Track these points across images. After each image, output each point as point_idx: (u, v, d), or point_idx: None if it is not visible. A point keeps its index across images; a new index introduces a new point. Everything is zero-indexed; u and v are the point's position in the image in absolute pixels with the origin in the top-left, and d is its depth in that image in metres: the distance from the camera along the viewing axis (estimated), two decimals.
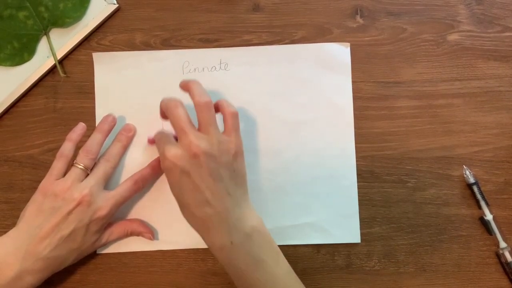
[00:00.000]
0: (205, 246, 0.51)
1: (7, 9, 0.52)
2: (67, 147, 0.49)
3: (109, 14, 0.54)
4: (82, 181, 0.47)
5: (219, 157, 0.44)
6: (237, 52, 0.54)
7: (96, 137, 0.50)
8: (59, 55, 0.53)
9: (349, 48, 0.54)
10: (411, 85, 0.54)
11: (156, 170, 0.51)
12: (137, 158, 0.52)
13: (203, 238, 0.45)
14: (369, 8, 0.55)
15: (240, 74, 0.54)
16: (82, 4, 0.54)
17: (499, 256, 0.51)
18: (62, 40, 0.53)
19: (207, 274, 0.52)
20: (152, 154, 0.52)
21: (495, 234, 0.51)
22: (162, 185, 0.52)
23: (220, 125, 0.46)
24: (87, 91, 0.53)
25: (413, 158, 0.53)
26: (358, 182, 0.52)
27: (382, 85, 0.54)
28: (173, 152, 0.43)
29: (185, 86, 0.47)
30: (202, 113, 0.45)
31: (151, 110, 0.51)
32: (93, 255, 0.51)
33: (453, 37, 0.54)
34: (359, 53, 0.54)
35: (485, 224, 0.52)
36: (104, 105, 0.53)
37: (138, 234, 0.51)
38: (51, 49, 0.53)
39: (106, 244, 0.50)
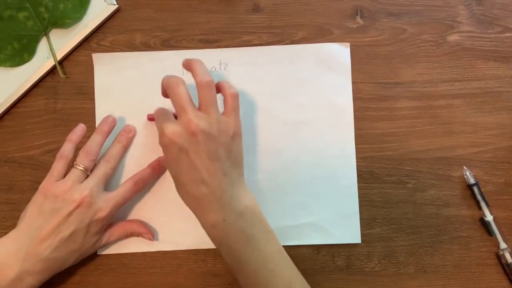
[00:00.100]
0: (205, 247, 0.51)
1: (7, 9, 0.52)
2: (67, 148, 0.49)
3: (109, 15, 0.54)
4: (82, 182, 0.47)
5: (218, 137, 0.44)
6: (237, 53, 0.54)
7: (96, 138, 0.50)
8: (59, 56, 0.53)
9: (349, 49, 0.54)
10: (411, 85, 0.54)
11: (156, 171, 0.51)
12: (137, 159, 0.52)
13: (197, 216, 0.45)
14: (369, 9, 0.55)
15: (240, 75, 0.54)
16: (82, 5, 0.54)
17: (499, 257, 0.51)
18: (62, 41, 0.53)
19: (207, 275, 0.52)
20: (153, 154, 0.52)
21: (495, 235, 0.51)
22: (163, 186, 0.52)
23: (221, 107, 0.46)
24: (87, 92, 0.53)
25: (413, 159, 0.53)
26: (358, 182, 0.52)
27: (382, 85, 0.54)
28: (172, 129, 0.43)
29: (188, 65, 0.47)
30: (203, 92, 0.45)
31: (151, 111, 0.51)
32: (93, 256, 0.51)
33: (453, 37, 0.54)
34: (359, 54, 0.54)
35: (485, 225, 0.52)
36: (104, 106, 0.53)
37: (138, 234, 0.51)
38: (51, 49, 0.53)
39: (106, 245, 0.51)
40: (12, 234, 0.46)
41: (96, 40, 0.54)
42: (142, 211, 0.52)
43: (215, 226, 0.44)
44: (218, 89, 0.47)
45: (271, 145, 0.53)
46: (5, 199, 0.52)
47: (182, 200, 0.45)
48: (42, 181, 0.48)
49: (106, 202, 0.47)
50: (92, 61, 0.54)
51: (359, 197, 0.52)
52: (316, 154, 0.53)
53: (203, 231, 0.45)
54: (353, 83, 0.54)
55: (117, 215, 0.50)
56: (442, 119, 0.53)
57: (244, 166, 0.47)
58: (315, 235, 0.52)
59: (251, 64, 0.54)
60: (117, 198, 0.48)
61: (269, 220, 0.46)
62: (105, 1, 0.54)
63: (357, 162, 0.53)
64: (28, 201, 0.48)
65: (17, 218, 0.48)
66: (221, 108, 0.46)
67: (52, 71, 0.54)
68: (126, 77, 0.53)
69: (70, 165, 0.48)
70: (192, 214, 0.45)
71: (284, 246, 0.46)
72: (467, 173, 0.52)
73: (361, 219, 0.52)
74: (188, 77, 0.47)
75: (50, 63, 0.53)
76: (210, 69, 0.54)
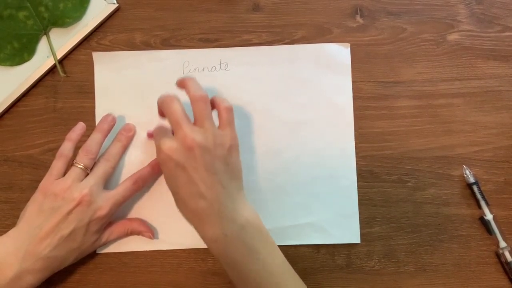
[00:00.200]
0: (205, 246, 0.51)
1: (7, 9, 0.52)
2: (66, 147, 0.49)
3: (109, 14, 0.54)
4: (82, 180, 0.47)
5: (214, 150, 0.44)
6: (237, 52, 0.54)
7: (95, 137, 0.50)
8: (59, 55, 0.53)
9: (349, 48, 0.54)
10: (411, 85, 0.54)
11: (156, 169, 0.51)
12: (137, 158, 0.52)
13: (197, 231, 0.45)
14: (369, 8, 0.55)
15: (240, 74, 0.54)
16: (82, 4, 0.54)
17: (499, 256, 0.51)
18: (62, 40, 0.53)
19: (207, 274, 0.52)
20: (152, 153, 0.52)
21: (495, 233, 0.51)
22: (162, 184, 0.52)
23: (216, 122, 0.46)
24: (87, 90, 0.53)
25: (413, 157, 0.53)
26: (358, 182, 0.52)
27: (382, 85, 0.54)
28: (168, 145, 0.43)
29: (181, 83, 0.47)
30: (197, 106, 0.45)
31: (151, 110, 0.51)
32: (93, 254, 0.51)
33: (453, 36, 0.54)
34: (359, 53, 0.54)
35: (485, 223, 0.52)
36: (104, 105, 0.53)
37: (138, 233, 0.51)
38: (51, 49, 0.53)
39: (106, 244, 0.51)
40: (12, 233, 0.46)
41: (96, 39, 0.54)
42: (142, 209, 0.52)
43: (216, 240, 0.43)
44: (212, 105, 0.47)
45: (271, 145, 0.53)
46: (5, 198, 0.52)
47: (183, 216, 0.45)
48: (42, 180, 0.48)
49: (105, 201, 0.47)
50: (92, 60, 0.54)
51: (359, 196, 0.52)
52: (316, 154, 0.53)
53: None
54: (353, 82, 0.54)
55: (117, 214, 0.50)
56: (442, 118, 0.53)
57: (244, 166, 0.47)
58: (315, 235, 0.52)
59: (251, 63, 0.54)
60: (116, 197, 0.48)
61: (269, 220, 0.46)
62: (105, 0, 0.54)
63: (357, 161, 0.53)
64: (27, 200, 0.48)
65: (17, 217, 0.48)
66: (216, 123, 0.46)
67: (52, 70, 0.54)
68: (126, 76, 0.53)
69: (70, 164, 0.48)
70: None
71: (284, 246, 0.46)
72: (467, 172, 0.52)
73: (361, 218, 0.52)
74: (184, 78, 0.47)
75: (50, 62, 0.53)
76: (210, 69, 0.54)
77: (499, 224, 0.51)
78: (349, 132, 0.53)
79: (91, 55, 0.54)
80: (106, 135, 0.51)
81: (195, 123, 0.45)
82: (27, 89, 0.53)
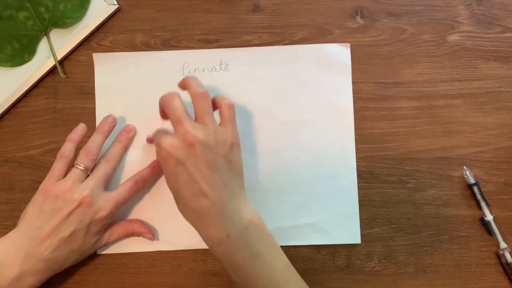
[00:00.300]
0: (205, 247, 0.51)
1: (7, 9, 0.52)
2: (67, 148, 0.49)
3: (109, 15, 0.54)
4: (82, 182, 0.47)
5: (215, 147, 0.43)
6: (238, 53, 0.54)
7: (96, 138, 0.50)
8: (59, 56, 0.53)
9: (349, 49, 0.54)
10: (411, 85, 0.54)
11: (156, 170, 0.51)
12: (137, 159, 0.52)
13: (199, 231, 0.44)
14: (369, 9, 0.55)
15: (240, 75, 0.54)
16: (82, 5, 0.54)
17: (499, 257, 0.51)
18: (62, 41, 0.53)
19: (207, 274, 0.52)
20: (153, 154, 0.52)
21: (495, 234, 0.51)
22: (162, 185, 0.52)
23: (217, 120, 0.46)
24: (87, 91, 0.53)
25: (413, 158, 0.53)
26: (358, 182, 0.52)
27: (382, 85, 0.54)
28: (169, 141, 0.43)
29: (183, 83, 0.47)
30: (198, 103, 0.45)
31: (151, 111, 0.51)
32: (93, 255, 0.51)
33: (453, 37, 0.54)
34: (359, 54, 0.54)
35: (485, 224, 0.52)
36: (104, 105, 0.53)
37: (138, 234, 0.51)
38: (51, 49, 0.53)
39: (106, 245, 0.51)
40: (12, 234, 0.46)
41: (96, 40, 0.54)
42: (142, 211, 0.52)
43: (219, 242, 0.43)
44: (214, 103, 0.47)
45: (271, 145, 0.53)
46: (5, 199, 0.52)
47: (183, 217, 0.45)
48: (42, 181, 0.48)
49: (106, 202, 0.47)
50: (92, 61, 0.54)
51: (359, 197, 0.52)
52: (316, 154, 0.53)
53: None
54: (353, 83, 0.54)
55: (117, 215, 0.50)
56: (442, 119, 0.53)
57: (244, 167, 0.47)
58: (315, 235, 0.52)
59: (252, 64, 0.54)
60: (117, 198, 0.48)
61: (269, 220, 0.46)
62: (105, 1, 0.54)
63: (357, 162, 0.53)
64: (28, 201, 0.48)
65: (17, 218, 0.48)
66: (217, 120, 0.46)
67: (52, 71, 0.54)
68: (127, 77, 0.53)
69: (71, 165, 0.48)
70: None
71: (284, 247, 0.46)
72: (467, 173, 0.52)
73: (361, 218, 0.52)
74: (185, 77, 0.47)
75: (50, 63, 0.53)
76: (210, 69, 0.54)
77: (499, 225, 0.52)
78: (349, 132, 0.53)
79: (92, 56, 0.54)
80: (106, 136, 0.51)
81: (196, 120, 0.45)
82: (27, 90, 0.53)
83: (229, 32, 0.54)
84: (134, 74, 0.53)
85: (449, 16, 0.55)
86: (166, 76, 0.53)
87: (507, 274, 0.51)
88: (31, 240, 0.45)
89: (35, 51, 0.53)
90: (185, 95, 0.46)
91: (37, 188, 0.48)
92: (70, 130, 0.50)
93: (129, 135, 0.52)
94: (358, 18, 0.55)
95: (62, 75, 0.53)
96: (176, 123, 0.44)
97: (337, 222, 0.52)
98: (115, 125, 0.52)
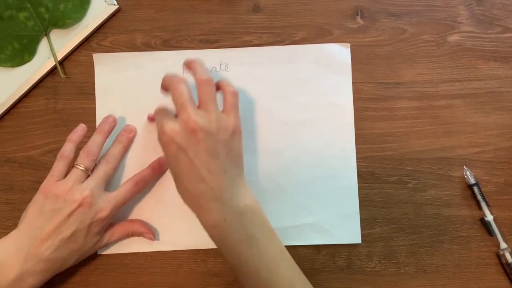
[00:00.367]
0: (205, 247, 0.51)
1: (7, 10, 0.52)
2: (67, 148, 0.49)
3: (109, 15, 0.54)
4: (83, 182, 0.47)
5: (217, 135, 0.44)
6: (238, 53, 0.54)
7: (96, 138, 0.50)
8: (60, 56, 0.53)
9: (349, 49, 0.54)
10: (411, 86, 0.54)
11: (157, 171, 0.51)
12: (138, 159, 0.52)
13: (197, 215, 0.45)
14: (369, 9, 0.55)
15: (240, 75, 0.54)
16: (82, 5, 0.54)
17: (499, 257, 0.51)
18: (63, 41, 0.53)
19: (207, 275, 0.52)
20: (153, 154, 0.52)
21: (495, 235, 0.51)
22: (163, 186, 0.52)
23: (220, 106, 0.46)
24: (87, 92, 0.53)
25: (414, 159, 0.53)
26: (358, 183, 0.52)
27: (382, 86, 0.54)
28: (171, 127, 0.43)
29: (188, 65, 0.48)
30: (202, 89, 0.45)
31: (151, 111, 0.51)
32: (94, 256, 0.51)
33: (453, 38, 0.54)
34: (359, 54, 0.54)
35: (485, 225, 0.52)
36: (105, 106, 0.53)
37: (139, 234, 0.51)
38: (52, 50, 0.53)
39: (107, 245, 0.51)
40: (13, 234, 0.46)
41: (96, 40, 0.54)
42: (142, 211, 0.52)
43: (215, 225, 0.43)
44: (218, 87, 0.47)
45: (271, 145, 0.53)
46: (6, 199, 0.52)
47: (182, 200, 0.45)
48: (42, 181, 0.48)
49: (106, 202, 0.47)
50: (92, 61, 0.54)
51: (359, 197, 0.52)
52: (316, 154, 0.53)
53: (204, 231, 0.45)
54: (353, 83, 0.54)
55: (118, 215, 0.50)
56: (443, 119, 0.53)
57: (244, 167, 0.47)
58: (315, 235, 0.52)
59: (252, 64, 0.54)
60: (117, 198, 0.48)
61: (269, 220, 0.46)
62: (105, 1, 0.54)
63: (357, 162, 0.53)
64: (28, 201, 0.48)
65: (18, 218, 0.48)
66: (220, 107, 0.46)
67: (52, 71, 0.54)
68: (127, 77, 0.53)
69: (71, 165, 0.48)
70: (193, 214, 0.45)
71: (284, 246, 0.46)
72: (468, 173, 0.52)
73: (361, 219, 0.52)
74: (188, 78, 0.47)
75: (50, 63, 0.53)
76: (210, 69, 0.54)
77: (499, 225, 0.52)
78: (349, 132, 0.53)
79: (92, 56, 0.54)
80: (107, 136, 0.51)
81: (199, 107, 0.45)
82: (27, 90, 0.53)
83: (229, 32, 0.54)
84: (134, 75, 0.54)
85: (449, 16, 0.55)
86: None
87: (507, 274, 0.51)
88: (31, 241, 0.45)
89: (35, 51, 0.53)
90: (189, 79, 0.46)
91: (37, 189, 0.48)
92: (70, 130, 0.50)
93: (129, 135, 0.52)
94: (358, 18, 0.55)
95: (62, 75, 0.53)
96: (180, 108, 0.44)
97: (337, 222, 0.52)
98: (115, 125, 0.52)
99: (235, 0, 0.55)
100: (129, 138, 0.52)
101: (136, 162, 0.52)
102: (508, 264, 0.51)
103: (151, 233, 0.50)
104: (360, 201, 0.52)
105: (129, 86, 0.53)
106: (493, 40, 0.54)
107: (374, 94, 0.54)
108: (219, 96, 0.47)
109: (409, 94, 0.54)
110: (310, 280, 0.46)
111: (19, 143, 0.53)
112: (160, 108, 0.47)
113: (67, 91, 0.53)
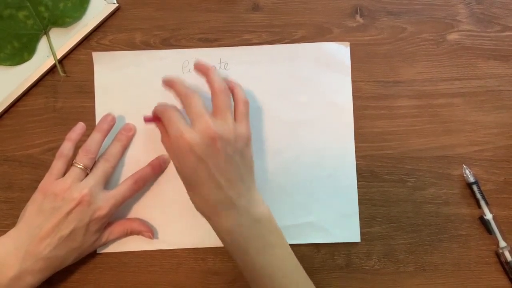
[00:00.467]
0: (205, 246, 0.51)
1: (7, 8, 0.52)
2: (66, 147, 0.48)
3: (109, 14, 0.54)
4: (81, 180, 0.47)
5: (234, 143, 0.44)
6: (237, 52, 0.54)
7: (95, 137, 0.50)
8: (59, 55, 0.53)
9: (348, 48, 0.54)
10: (411, 84, 0.54)
11: (156, 169, 0.51)
12: (137, 158, 0.52)
13: (210, 221, 0.45)
14: (369, 8, 0.55)
15: (240, 74, 0.54)
16: (82, 4, 0.54)
17: (498, 256, 0.51)
18: (62, 40, 0.53)
19: (207, 273, 0.52)
20: (153, 153, 0.52)
21: (494, 233, 0.51)
22: (162, 184, 0.52)
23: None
24: (87, 90, 0.53)
25: (413, 157, 0.53)
26: (358, 181, 0.52)
27: (381, 84, 0.54)
28: (190, 136, 0.42)
29: (202, 71, 0.48)
30: (219, 99, 0.45)
31: (151, 110, 0.51)
32: (93, 254, 0.51)
33: (453, 36, 0.54)
34: (359, 53, 0.54)
35: (484, 223, 0.52)
36: (104, 104, 0.53)
37: (138, 233, 0.51)
38: (51, 48, 0.53)
39: (106, 244, 0.51)
40: (12, 233, 0.46)
41: (96, 39, 0.54)
42: (141, 209, 0.52)
43: (231, 231, 0.44)
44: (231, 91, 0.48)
45: (271, 145, 0.53)
46: (5, 197, 0.52)
47: (182, 199, 0.45)
48: (41, 179, 0.48)
49: (105, 201, 0.47)
50: (92, 59, 0.54)
51: (359, 195, 0.52)
52: (316, 153, 0.53)
53: (203, 229, 0.45)
54: (353, 81, 0.54)
55: (117, 214, 0.50)
56: (442, 117, 0.53)
57: None
58: (315, 234, 0.52)
59: (251, 63, 0.54)
60: (116, 197, 0.48)
61: None
62: (105, 0, 0.54)
63: (357, 160, 0.53)
64: (27, 199, 0.48)
65: (17, 216, 0.48)
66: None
67: (52, 70, 0.54)
68: (126, 76, 0.53)
69: (70, 164, 0.48)
70: (192, 212, 0.45)
71: None
72: (467, 171, 0.52)
73: (361, 217, 0.52)
74: (188, 77, 0.47)
75: (50, 62, 0.53)
76: None
77: (498, 224, 0.52)
78: (349, 131, 0.53)
79: (91, 55, 0.54)
80: (106, 135, 0.51)
81: (215, 115, 0.45)
82: (27, 88, 0.53)
83: (228, 31, 0.54)
84: (133, 73, 0.54)
85: (449, 15, 0.55)
86: (166, 75, 0.53)
87: (506, 273, 0.51)
88: (30, 239, 0.45)
89: (35, 50, 0.53)
90: (188, 78, 0.46)
91: (36, 187, 0.48)
92: (70, 129, 0.50)
93: (129, 134, 0.52)
94: (358, 17, 0.55)
95: (61, 74, 0.53)
96: (197, 116, 0.43)
97: (337, 221, 0.52)
98: (114, 124, 0.52)
99: None
100: (128, 137, 0.52)
101: (135, 160, 0.52)
102: (507, 262, 0.51)
103: (150, 232, 0.50)
104: (359, 199, 0.52)
105: (129, 85, 0.53)
106: (493, 38, 0.54)
107: (373, 93, 0.54)
108: None
109: (408, 92, 0.54)
110: (310, 279, 0.46)
111: (19, 141, 0.53)
112: (168, 108, 0.45)
113: (66, 90, 0.53)
